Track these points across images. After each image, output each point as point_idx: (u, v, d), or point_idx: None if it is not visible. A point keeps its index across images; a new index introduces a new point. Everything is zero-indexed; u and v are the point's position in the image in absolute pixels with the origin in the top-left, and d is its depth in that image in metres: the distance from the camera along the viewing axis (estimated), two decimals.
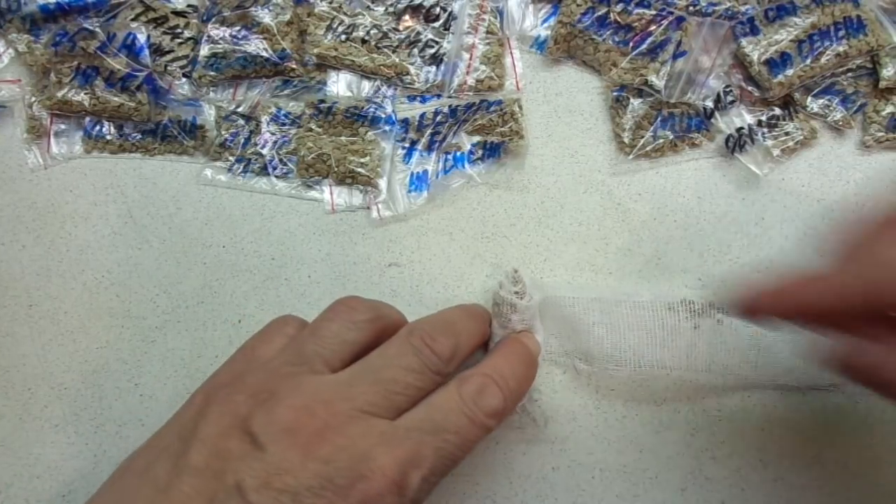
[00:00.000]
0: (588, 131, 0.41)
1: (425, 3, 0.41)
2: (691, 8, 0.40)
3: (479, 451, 0.38)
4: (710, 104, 0.40)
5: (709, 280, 0.39)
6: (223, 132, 0.42)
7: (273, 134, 0.42)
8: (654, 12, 0.40)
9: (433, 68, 0.41)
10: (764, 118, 0.40)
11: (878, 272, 0.26)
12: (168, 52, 0.42)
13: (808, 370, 0.36)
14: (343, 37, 0.41)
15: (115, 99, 0.41)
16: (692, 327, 0.36)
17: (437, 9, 0.42)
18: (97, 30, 0.41)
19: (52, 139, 0.42)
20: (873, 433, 0.36)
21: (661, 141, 0.40)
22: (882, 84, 0.39)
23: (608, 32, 0.40)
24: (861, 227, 0.28)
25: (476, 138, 0.41)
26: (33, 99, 0.42)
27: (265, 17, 0.41)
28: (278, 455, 0.26)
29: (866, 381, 0.26)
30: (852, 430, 0.36)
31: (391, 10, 0.42)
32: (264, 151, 0.41)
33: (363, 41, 0.41)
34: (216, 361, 0.39)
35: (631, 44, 0.40)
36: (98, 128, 0.42)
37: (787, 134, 0.40)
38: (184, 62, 0.42)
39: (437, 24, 0.42)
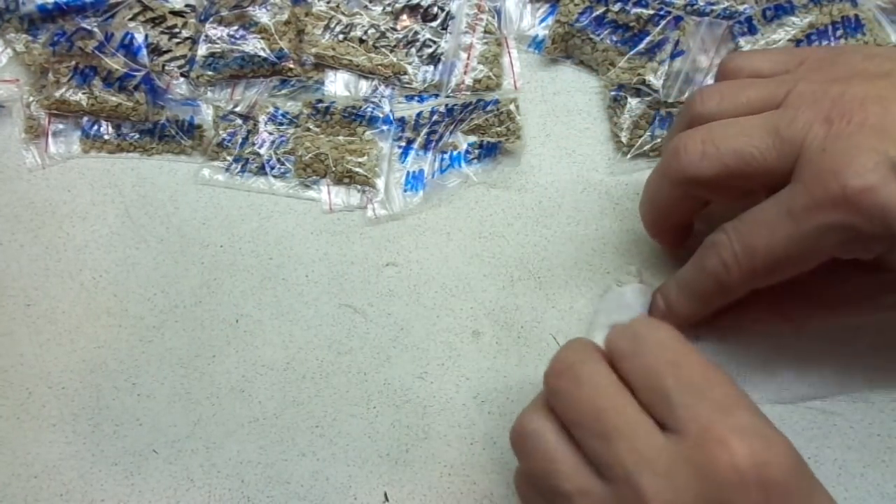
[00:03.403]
0: (586, 131, 0.41)
1: (423, 3, 0.41)
2: (689, 7, 0.40)
3: (476, 450, 0.38)
4: None
5: None
6: (221, 132, 0.42)
7: (271, 133, 0.42)
8: (651, 12, 0.40)
9: (431, 68, 0.41)
10: None
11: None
12: (166, 51, 0.42)
13: (801, 384, 0.36)
14: (341, 36, 0.41)
15: (113, 98, 0.41)
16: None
17: (435, 8, 0.42)
18: (95, 29, 0.41)
19: (50, 139, 0.42)
20: (873, 432, 0.36)
21: (660, 140, 0.40)
22: None
23: (606, 32, 0.40)
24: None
25: (472, 138, 0.41)
26: (31, 98, 0.42)
27: (263, 16, 0.41)
28: None
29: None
30: (850, 430, 0.36)
31: (389, 9, 0.42)
32: (262, 151, 0.41)
33: (361, 41, 0.41)
34: (214, 361, 0.39)
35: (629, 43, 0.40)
36: (96, 127, 0.42)
37: None
38: (181, 62, 0.42)
39: (434, 24, 0.42)
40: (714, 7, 0.40)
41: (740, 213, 0.31)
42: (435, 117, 0.41)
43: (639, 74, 0.40)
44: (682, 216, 0.35)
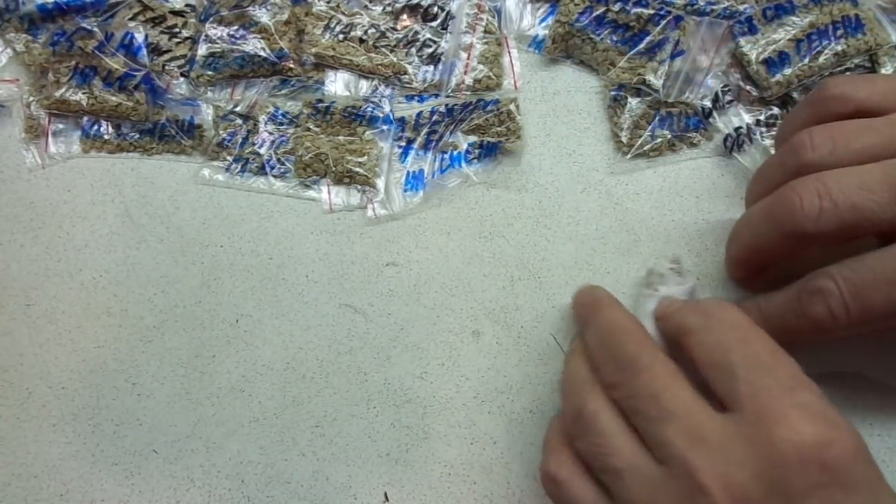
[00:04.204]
0: (586, 131, 0.41)
1: (423, 3, 0.41)
2: (689, 7, 0.40)
3: (476, 450, 0.38)
4: (708, 104, 0.40)
5: (707, 280, 0.39)
6: (221, 132, 0.42)
7: (271, 133, 0.42)
8: (651, 11, 0.40)
9: (431, 68, 0.41)
10: (762, 118, 0.40)
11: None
12: (166, 51, 0.42)
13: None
14: (341, 36, 0.41)
15: (113, 98, 0.41)
16: None
17: (435, 8, 0.42)
18: (95, 29, 0.41)
19: (50, 139, 0.42)
20: (873, 432, 0.36)
21: (660, 140, 0.40)
22: None
23: (606, 32, 0.40)
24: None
25: (473, 138, 0.41)
26: (31, 98, 0.42)
27: (263, 16, 0.41)
28: None
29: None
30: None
31: (389, 9, 0.42)
32: (262, 151, 0.41)
33: (361, 41, 0.41)
34: (214, 361, 0.39)
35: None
36: (96, 127, 0.42)
37: None
38: (181, 62, 0.42)
39: (434, 24, 0.42)
40: (714, 7, 0.40)
41: (838, 254, 0.30)
42: (435, 117, 0.41)
43: (639, 74, 0.40)
44: (779, 261, 0.33)
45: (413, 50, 0.41)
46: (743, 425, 0.25)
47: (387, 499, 0.37)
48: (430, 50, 0.41)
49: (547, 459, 0.31)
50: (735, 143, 0.40)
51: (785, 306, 0.31)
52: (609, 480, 0.28)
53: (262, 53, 0.41)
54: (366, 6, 0.42)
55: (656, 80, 0.40)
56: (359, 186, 0.41)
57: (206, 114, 0.42)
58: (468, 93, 0.41)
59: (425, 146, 0.41)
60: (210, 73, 0.41)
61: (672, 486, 0.26)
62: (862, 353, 0.35)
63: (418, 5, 0.41)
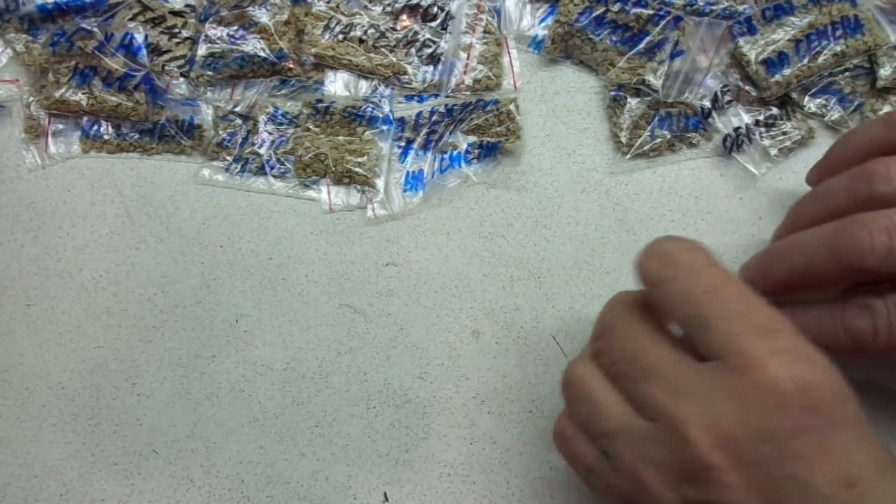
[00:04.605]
0: (585, 131, 0.41)
1: (423, 3, 0.41)
2: (689, 7, 0.40)
3: (475, 450, 0.38)
4: (707, 104, 0.40)
5: None
6: (221, 132, 0.42)
7: (270, 133, 0.42)
8: (651, 12, 0.40)
9: (431, 68, 0.41)
10: (761, 118, 0.40)
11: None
12: (166, 51, 0.42)
13: None
14: (340, 36, 0.41)
15: (113, 98, 0.41)
16: None
17: (435, 8, 0.42)
18: (95, 30, 0.41)
19: (50, 139, 0.42)
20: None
21: (659, 140, 0.40)
22: (879, 84, 0.39)
23: (605, 32, 0.40)
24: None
25: (472, 138, 0.41)
26: (31, 99, 0.42)
27: (263, 16, 0.41)
28: None
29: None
30: None
31: (389, 9, 0.42)
32: (262, 151, 0.41)
33: (361, 41, 0.41)
34: (213, 361, 0.39)
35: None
36: (96, 127, 0.42)
37: (784, 134, 0.40)
38: (181, 62, 0.42)
39: (434, 24, 0.42)
40: (714, 7, 0.40)
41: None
42: (435, 117, 0.41)
43: (638, 74, 0.40)
44: (825, 287, 0.32)
45: (413, 50, 0.41)
46: (724, 374, 0.25)
47: (386, 499, 0.37)
48: (429, 50, 0.41)
49: (560, 416, 0.32)
50: (734, 143, 0.40)
51: (826, 317, 0.31)
52: (605, 444, 0.28)
53: (262, 53, 0.41)
54: (365, 6, 0.42)
55: (656, 81, 0.40)
56: (358, 186, 0.41)
57: (206, 114, 0.42)
58: (468, 93, 0.41)
59: (425, 146, 0.41)
60: (210, 73, 0.41)
61: (662, 441, 0.26)
62: (872, 362, 0.35)
63: (418, 5, 0.42)
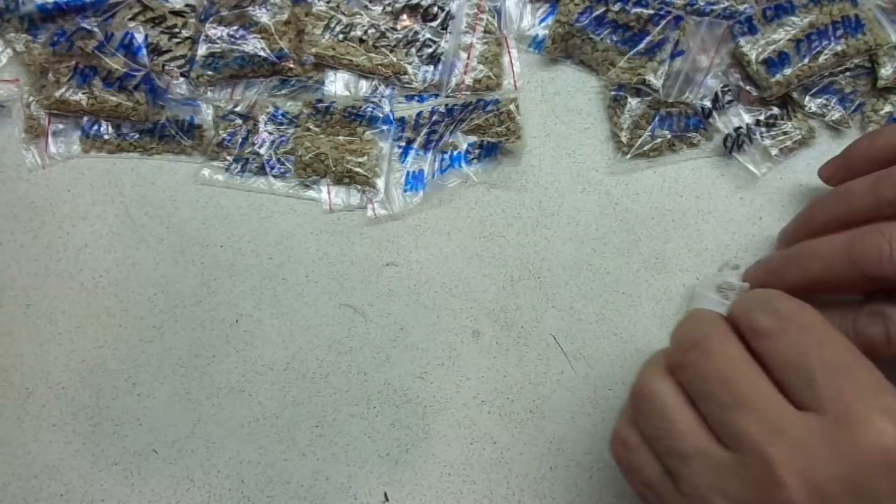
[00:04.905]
0: (586, 131, 0.41)
1: (423, 3, 0.41)
2: (689, 7, 0.40)
3: (476, 450, 0.38)
4: (707, 104, 0.40)
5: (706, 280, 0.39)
6: (221, 132, 0.42)
7: (271, 133, 0.42)
8: (651, 11, 0.40)
9: (431, 68, 0.41)
10: (762, 118, 0.40)
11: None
12: (166, 51, 0.42)
13: None
14: (341, 36, 0.41)
15: (113, 98, 0.41)
16: None
17: (435, 8, 0.42)
18: (95, 29, 0.41)
19: (50, 139, 0.42)
20: None
21: (659, 140, 0.40)
22: (880, 83, 0.39)
23: (606, 32, 0.40)
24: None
25: (473, 138, 0.41)
26: (31, 98, 0.42)
27: (263, 16, 0.41)
28: None
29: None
30: None
31: (389, 9, 0.42)
32: (262, 151, 0.41)
33: (361, 41, 0.41)
34: (213, 361, 0.39)
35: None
36: (96, 127, 0.42)
37: (785, 133, 0.40)
38: (181, 62, 0.42)
39: (434, 24, 0.42)
40: (714, 7, 0.40)
41: None
42: (435, 117, 0.41)
43: (639, 74, 0.40)
44: (842, 294, 0.33)
45: (413, 50, 0.41)
46: (825, 424, 0.24)
47: (387, 499, 0.37)
48: (430, 50, 0.41)
49: (622, 422, 0.30)
50: (735, 143, 0.40)
51: (837, 322, 0.31)
52: (674, 464, 0.27)
53: (262, 53, 0.41)
54: (366, 6, 0.42)
55: (656, 80, 0.40)
56: (359, 186, 0.41)
57: (206, 114, 0.42)
58: (468, 93, 0.41)
59: (425, 146, 0.41)
60: (210, 73, 0.41)
61: (744, 475, 0.25)
62: (883, 369, 0.35)
63: (418, 5, 0.41)
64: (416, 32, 0.42)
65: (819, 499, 0.24)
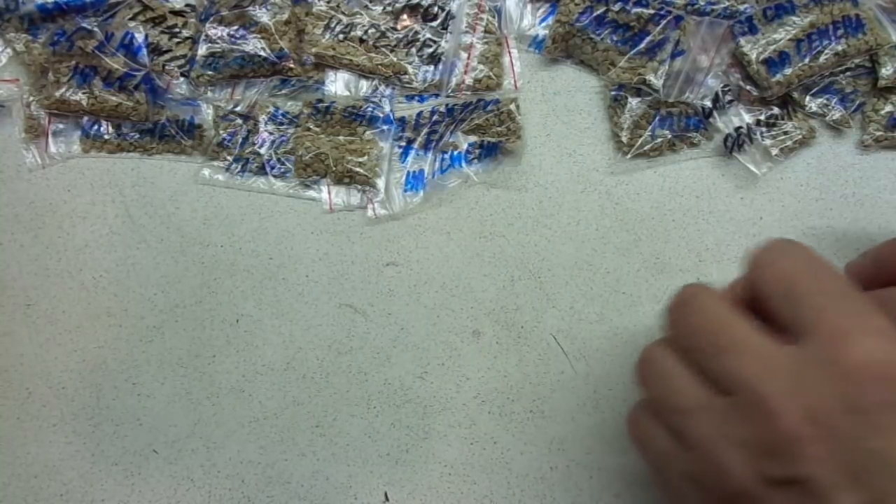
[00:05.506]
0: (586, 131, 0.41)
1: (423, 3, 0.41)
2: (690, 7, 0.40)
3: (476, 450, 0.38)
4: (708, 103, 0.40)
5: (707, 280, 0.39)
6: (221, 132, 0.42)
7: (271, 133, 0.42)
8: (652, 11, 0.40)
9: (431, 68, 0.41)
10: (762, 117, 0.40)
11: None
12: (166, 51, 0.42)
13: None
14: (341, 36, 0.41)
15: (113, 98, 0.41)
16: None
17: (435, 8, 0.42)
18: (95, 29, 0.41)
19: (50, 138, 0.42)
20: None
21: (660, 140, 0.40)
22: (881, 83, 0.39)
23: (606, 32, 0.40)
24: None
25: (473, 138, 0.41)
26: (31, 98, 0.42)
27: (263, 16, 0.41)
28: None
29: None
30: None
31: (389, 9, 0.42)
32: (262, 151, 0.41)
33: (361, 40, 0.41)
34: (214, 361, 0.39)
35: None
36: (96, 127, 0.42)
37: (785, 133, 0.40)
38: (182, 61, 0.42)
39: (435, 24, 0.42)
40: (714, 6, 0.40)
41: None
42: (435, 117, 0.41)
43: (639, 74, 0.40)
44: None
45: (413, 50, 0.41)
46: (813, 349, 0.24)
47: (387, 499, 0.37)
48: (430, 50, 0.41)
49: (634, 406, 0.31)
50: (735, 142, 0.40)
51: None
52: (677, 421, 0.27)
53: (263, 53, 0.41)
54: (366, 6, 0.42)
55: (656, 80, 0.39)
56: (359, 186, 0.41)
57: (207, 114, 0.42)
58: (468, 93, 0.41)
59: (425, 146, 0.41)
60: (210, 73, 0.41)
61: (742, 416, 0.25)
62: None
63: (418, 5, 0.41)
64: (417, 32, 0.42)
65: (814, 421, 0.24)
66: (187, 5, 0.42)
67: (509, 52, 0.42)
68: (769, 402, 0.24)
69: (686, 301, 0.29)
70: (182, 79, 0.42)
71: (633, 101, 0.40)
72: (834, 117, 0.40)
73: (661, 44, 0.40)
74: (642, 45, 0.40)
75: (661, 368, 0.28)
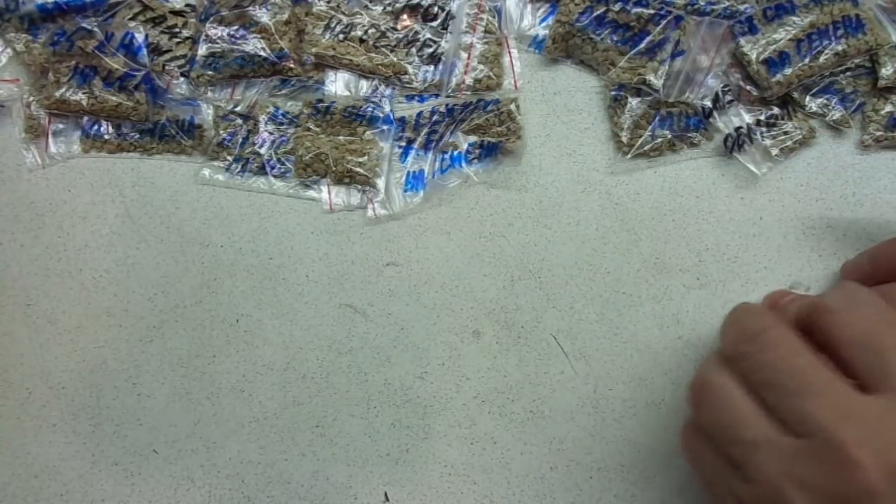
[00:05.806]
0: (586, 131, 0.41)
1: (423, 3, 0.41)
2: (690, 7, 0.40)
3: (476, 450, 0.38)
4: (708, 103, 0.40)
5: (707, 280, 0.39)
6: (221, 132, 0.42)
7: (271, 133, 0.42)
8: (652, 11, 0.40)
9: (431, 68, 0.41)
10: (762, 117, 0.40)
11: None
12: (166, 51, 0.42)
13: None
14: (341, 36, 0.41)
15: (113, 98, 0.41)
16: None
17: (436, 8, 0.42)
18: (95, 29, 0.41)
19: (51, 138, 0.42)
20: None
21: (660, 140, 0.40)
22: (881, 83, 0.39)
23: (606, 32, 0.40)
24: None
25: (473, 138, 0.41)
26: (31, 98, 0.42)
27: (263, 16, 0.41)
28: None
29: None
30: None
31: (389, 9, 0.42)
32: (262, 151, 0.41)
33: (361, 40, 0.41)
34: (214, 361, 0.39)
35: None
36: (96, 127, 0.42)
37: (785, 133, 0.40)
38: (182, 62, 0.42)
39: (435, 24, 0.42)
40: (714, 6, 0.40)
41: None
42: (435, 117, 0.41)
43: (639, 74, 0.40)
44: None
45: (413, 50, 0.41)
46: None
47: (387, 499, 0.37)
48: (430, 50, 0.41)
49: (687, 425, 0.30)
50: (735, 142, 0.40)
51: None
52: (739, 453, 0.27)
53: (263, 53, 0.41)
54: (366, 6, 0.42)
55: (656, 80, 0.39)
56: (359, 186, 0.41)
57: (207, 114, 0.42)
58: (468, 93, 0.41)
59: (425, 146, 0.41)
60: (210, 73, 0.41)
61: (816, 460, 0.25)
62: None
63: (418, 5, 0.41)
64: (417, 32, 0.42)
65: (894, 478, 0.23)
66: (187, 5, 0.42)
67: (509, 52, 0.42)
68: (848, 450, 0.24)
69: (757, 334, 0.28)
70: (182, 79, 0.42)
71: (633, 101, 0.40)
72: (834, 117, 0.40)
73: (661, 44, 0.40)
74: (642, 45, 0.40)
75: (722, 396, 0.28)
